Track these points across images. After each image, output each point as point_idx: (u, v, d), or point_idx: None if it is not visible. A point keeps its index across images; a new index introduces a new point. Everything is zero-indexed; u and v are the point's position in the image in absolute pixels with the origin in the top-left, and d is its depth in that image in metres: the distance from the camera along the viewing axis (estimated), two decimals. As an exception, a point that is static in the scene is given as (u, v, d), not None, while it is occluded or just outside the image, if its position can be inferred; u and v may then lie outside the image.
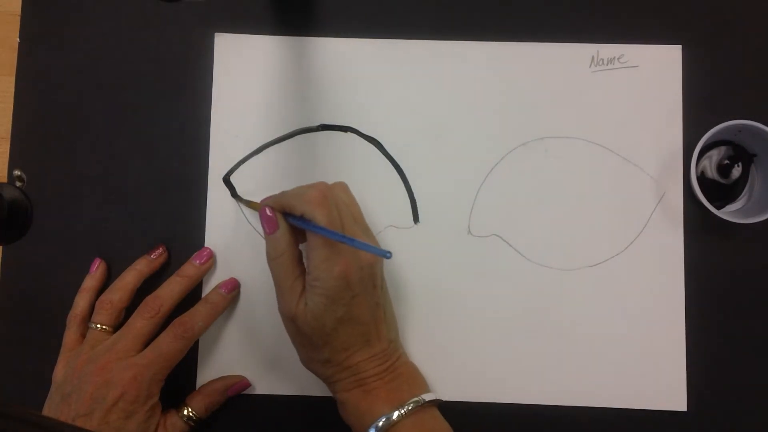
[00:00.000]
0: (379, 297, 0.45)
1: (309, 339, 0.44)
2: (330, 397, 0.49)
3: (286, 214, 0.45)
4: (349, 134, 0.53)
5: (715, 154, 0.52)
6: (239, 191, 0.52)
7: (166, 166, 0.53)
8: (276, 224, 0.44)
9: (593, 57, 0.53)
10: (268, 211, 0.45)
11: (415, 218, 0.52)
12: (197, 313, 0.48)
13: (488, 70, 0.53)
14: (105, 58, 0.53)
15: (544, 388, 0.50)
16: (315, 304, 0.42)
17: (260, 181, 0.52)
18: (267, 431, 0.51)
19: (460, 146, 0.52)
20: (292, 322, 0.44)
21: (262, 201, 0.47)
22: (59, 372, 0.47)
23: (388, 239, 0.52)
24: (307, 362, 0.46)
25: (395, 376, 0.45)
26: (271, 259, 0.45)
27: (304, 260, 0.46)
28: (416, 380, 0.47)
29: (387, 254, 0.40)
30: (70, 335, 0.48)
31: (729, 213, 0.51)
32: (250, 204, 0.51)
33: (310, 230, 0.43)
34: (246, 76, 0.53)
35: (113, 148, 0.53)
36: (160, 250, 0.51)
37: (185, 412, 0.48)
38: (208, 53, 0.53)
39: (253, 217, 0.52)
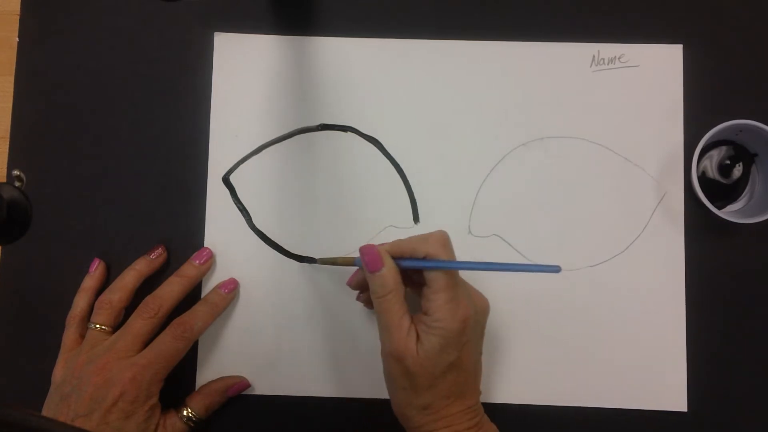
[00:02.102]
0: (481, 347, 0.45)
1: (414, 380, 0.42)
2: (329, 397, 0.49)
3: (401, 259, 0.43)
4: (349, 134, 0.53)
5: (716, 154, 0.52)
6: (239, 191, 0.52)
7: (165, 166, 0.52)
8: (381, 261, 0.43)
9: (594, 57, 0.53)
10: (370, 249, 0.43)
11: (415, 218, 0.52)
12: (197, 313, 0.48)
13: (488, 70, 0.53)
14: (105, 58, 0.53)
15: (545, 388, 0.50)
16: (431, 344, 0.41)
17: (260, 180, 0.52)
18: (267, 431, 0.51)
19: (460, 146, 0.52)
20: (399, 362, 0.42)
21: (362, 248, 0.44)
22: (58, 372, 0.47)
23: (388, 239, 0.51)
24: (403, 406, 0.43)
25: None
26: (379, 296, 0.43)
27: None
28: None
29: (556, 268, 0.39)
30: (70, 335, 0.48)
31: (730, 213, 0.51)
32: (333, 261, 0.49)
33: (440, 269, 0.41)
34: (246, 75, 0.53)
35: (113, 148, 0.53)
36: (160, 250, 0.51)
37: (185, 413, 0.48)
38: (208, 53, 0.53)
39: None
